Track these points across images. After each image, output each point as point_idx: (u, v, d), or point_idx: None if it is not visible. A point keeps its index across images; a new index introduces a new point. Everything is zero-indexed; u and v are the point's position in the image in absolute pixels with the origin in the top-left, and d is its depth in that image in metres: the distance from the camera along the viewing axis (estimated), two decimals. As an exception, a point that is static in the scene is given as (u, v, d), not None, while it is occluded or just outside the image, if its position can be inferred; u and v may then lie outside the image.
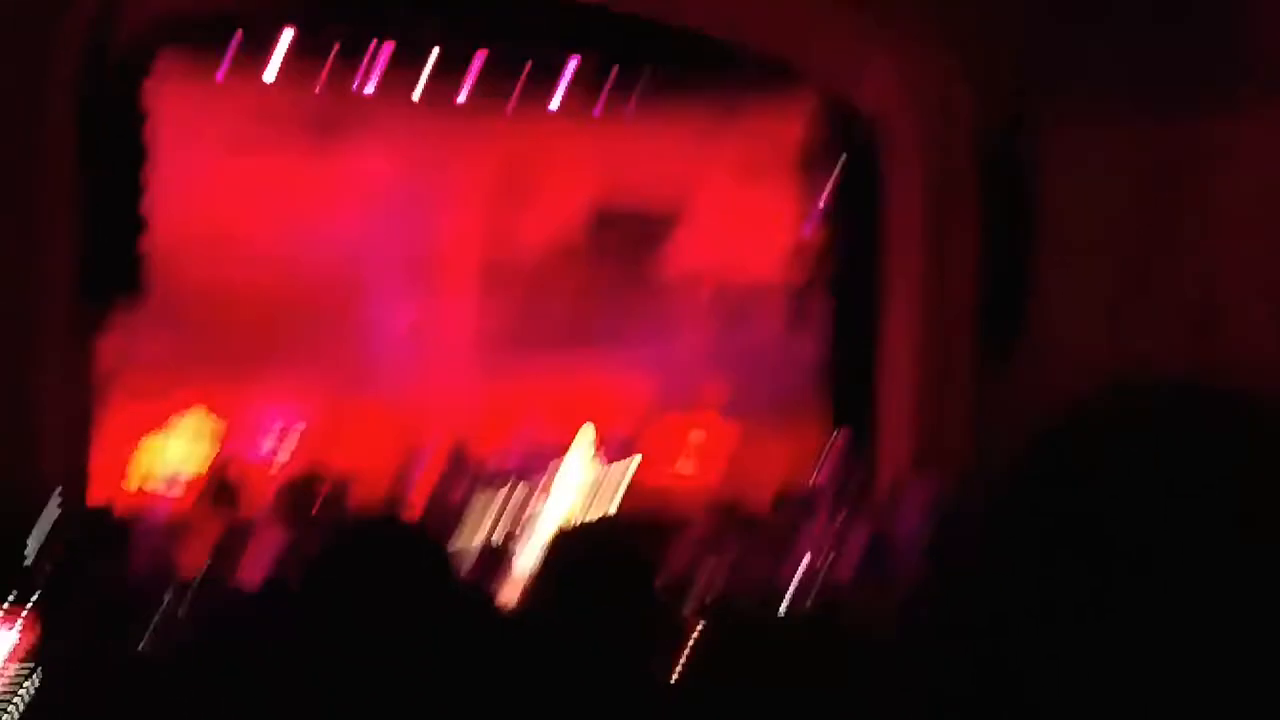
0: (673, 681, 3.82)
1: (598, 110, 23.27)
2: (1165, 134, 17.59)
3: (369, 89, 21.73)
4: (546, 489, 17.93)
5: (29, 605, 8.59)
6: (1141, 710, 0.91)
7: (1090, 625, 0.93)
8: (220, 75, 21.18)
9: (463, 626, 2.53)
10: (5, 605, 8.54)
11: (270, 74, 20.79)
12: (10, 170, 15.34)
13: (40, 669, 8.17)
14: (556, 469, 17.66)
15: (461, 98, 22.18)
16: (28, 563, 14.44)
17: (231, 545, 18.32)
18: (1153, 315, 17.59)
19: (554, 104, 22.82)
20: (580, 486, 17.53)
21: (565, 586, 3.11)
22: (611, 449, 18.13)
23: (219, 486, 18.52)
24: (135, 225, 16.20)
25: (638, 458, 17.65)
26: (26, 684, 7.87)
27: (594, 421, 24.32)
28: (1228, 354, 16.78)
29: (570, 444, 17.56)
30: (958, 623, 0.99)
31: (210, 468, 20.06)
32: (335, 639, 2.44)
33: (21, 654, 8.27)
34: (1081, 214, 17.82)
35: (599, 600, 3.04)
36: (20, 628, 8.41)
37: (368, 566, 2.51)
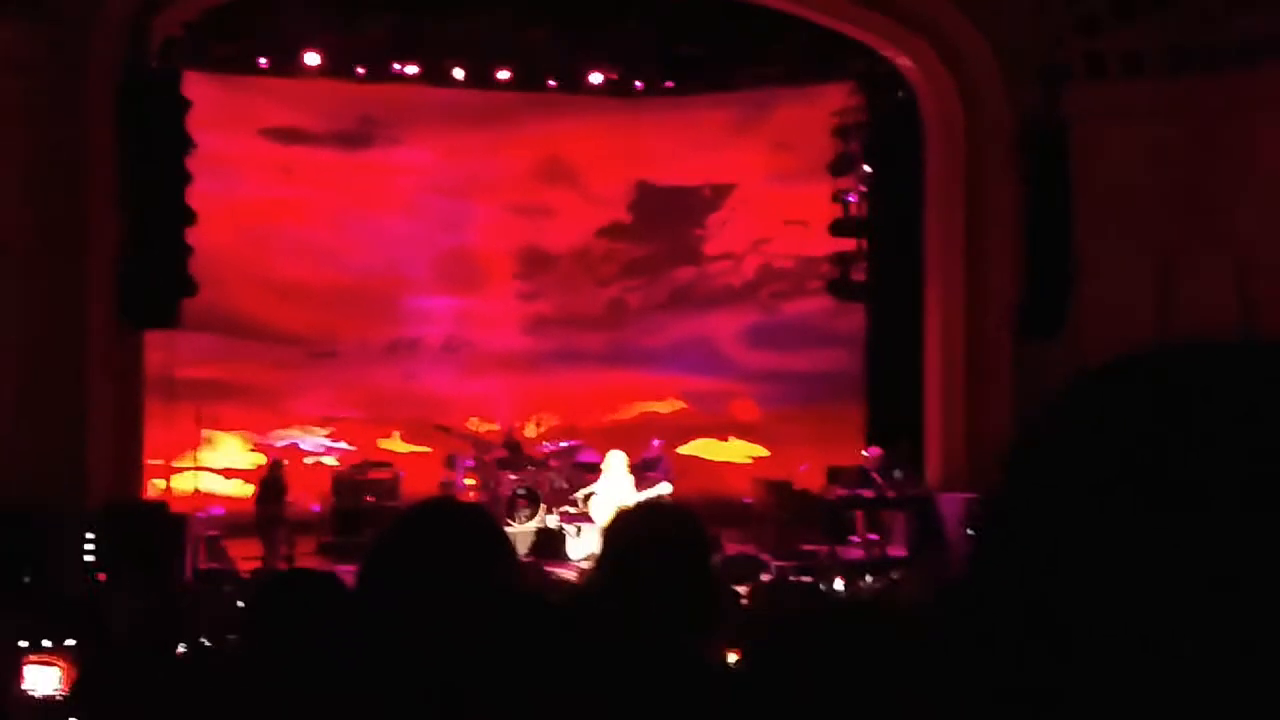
0: (729, 660, 3.82)
1: (636, 94, 23.24)
2: (1203, 85, 17.46)
3: (410, 73, 21.73)
4: (585, 502, 17.93)
5: (68, 643, 8.65)
6: (1183, 680, 0.91)
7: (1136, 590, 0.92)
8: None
9: (522, 606, 2.54)
10: (46, 644, 8.60)
11: (312, 60, 20.82)
12: (54, 162, 15.45)
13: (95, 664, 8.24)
14: (590, 495, 17.67)
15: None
16: (88, 558, 14.63)
17: (284, 537, 18.48)
18: (1199, 276, 17.46)
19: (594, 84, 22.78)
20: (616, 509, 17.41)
21: (622, 564, 3.12)
22: (642, 472, 18.17)
23: (270, 482, 18.57)
24: (180, 217, 16.27)
25: (668, 486, 17.70)
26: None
27: (638, 401, 24.36)
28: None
29: (603, 465, 17.61)
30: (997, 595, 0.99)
31: (263, 464, 20.11)
32: (397, 620, 2.45)
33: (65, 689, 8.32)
34: (1120, 173, 17.73)
35: (656, 578, 3.04)
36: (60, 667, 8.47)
37: (427, 548, 2.52)
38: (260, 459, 20.96)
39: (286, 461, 19.40)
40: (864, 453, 19.07)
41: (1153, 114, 17.57)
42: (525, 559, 16.60)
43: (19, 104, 15.34)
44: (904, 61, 19.25)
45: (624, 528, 3.24)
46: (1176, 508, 0.91)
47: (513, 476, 19.24)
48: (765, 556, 17.52)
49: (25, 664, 8.42)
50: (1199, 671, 0.89)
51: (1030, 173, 17.99)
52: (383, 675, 2.48)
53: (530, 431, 22.11)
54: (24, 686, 8.38)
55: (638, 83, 23.15)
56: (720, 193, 24.65)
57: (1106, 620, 0.91)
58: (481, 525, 2.64)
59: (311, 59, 20.98)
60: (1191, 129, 17.51)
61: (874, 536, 18.51)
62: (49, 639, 8.65)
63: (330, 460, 22.08)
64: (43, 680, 8.39)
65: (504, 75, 22.20)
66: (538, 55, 21.85)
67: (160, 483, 17.90)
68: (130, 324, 16.37)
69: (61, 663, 8.46)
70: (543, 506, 18.86)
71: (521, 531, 18.06)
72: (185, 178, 16.40)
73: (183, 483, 18.41)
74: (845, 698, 2.33)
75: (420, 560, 2.50)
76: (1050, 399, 1.03)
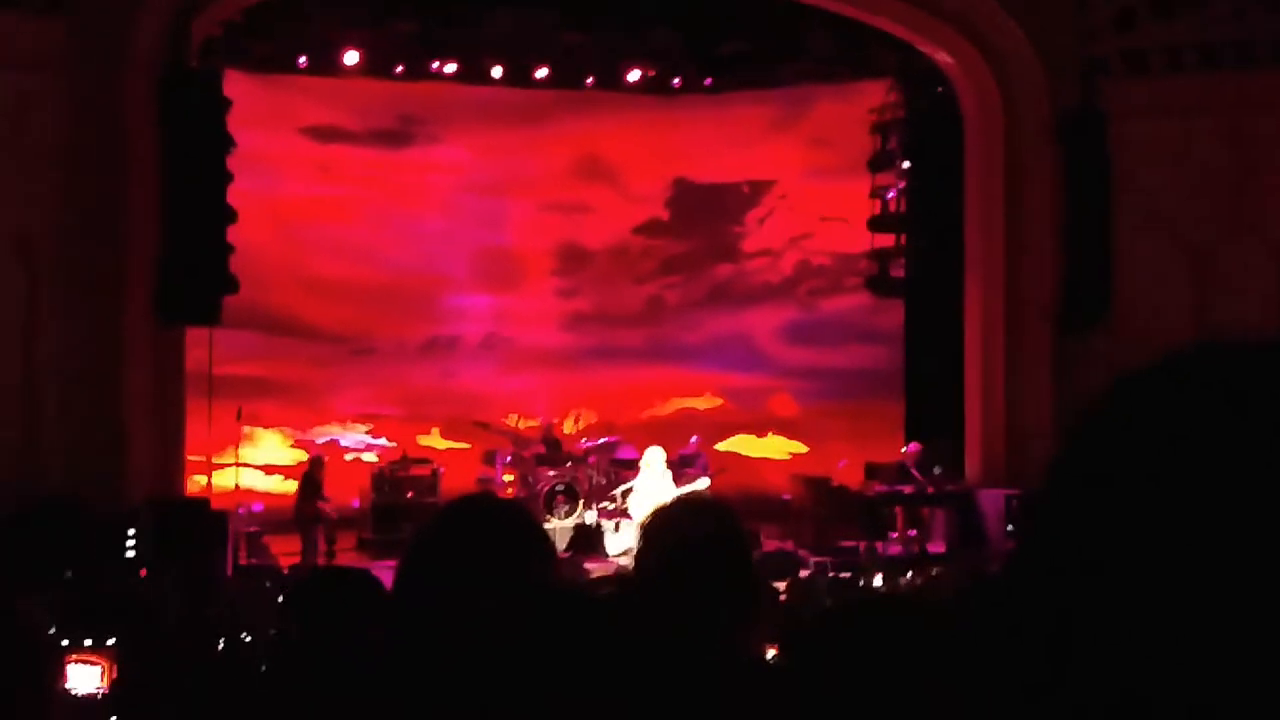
0: (769, 655, 3.82)
1: (674, 91, 23.21)
2: (1238, 81, 17.36)
3: (448, 71, 21.73)
4: (624, 498, 17.93)
5: (110, 642, 8.65)
6: (1219, 680, 0.91)
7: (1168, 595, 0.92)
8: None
9: (560, 602, 2.55)
10: (88, 644, 8.60)
11: (350, 58, 20.84)
12: (95, 160, 15.56)
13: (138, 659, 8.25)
14: (628, 491, 17.67)
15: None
16: (130, 554, 14.71)
17: (322, 534, 18.54)
18: (1235, 269, 17.36)
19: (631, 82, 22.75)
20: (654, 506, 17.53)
21: (661, 560, 3.12)
22: (680, 468, 18.15)
23: (309, 479, 18.58)
24: (221, 216, 16.34)
25: (706, 482, 17.73)
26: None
27: (676, 397, 24.36)
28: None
29: (641, 461, 17.57)
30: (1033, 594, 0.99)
31: (303, 461, 20.12)
32: (435, 616, 2.47)
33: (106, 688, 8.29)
34: (1157, 167, 17.64)
35: (695, 573, 3.05)
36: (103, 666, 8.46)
37: (466, 544, 2.53)
38: (301, 455, 21.04)
39: (326, 458, 19.44)
40: (903, 449, 19.03)
41: (1189, 109, 17.48)
42: (563, 555, 16.63)
43: (61, 102, 15.44)
44: (942, 57, 19.19)
45: (662, 523, 3.24)
46: (1217, 509, 0.91)
47: (551, 473, 19.26)
48: (803, 553, 17.51)
49: (67, 662, 8.42)
50: (1235, 672, 0.89)
51: (1069, 167, 17.91)
52: (420, 672, 2.49)
53: (569, 428, 22.13)
54: (66, 685, 8.38)
55: (675, 80, 23.13)
56: (759, 189, 24.63)
57: (1143, 620, 0.92)
58: (520, 521, 2.65)
59: (350, 58, 21.04)
60: (1227, 123, 17.42)
61: (913, 533, 18.47)
62: (90, 637, 8.66)
63: (370, 457, 22.16)
64: (84, 679, 8.39)
65: (542, 73, 22.22)
66: (575, 53, 21.85)
67: (201, 479, 17.99)
68: (171, 321, 16.46)
69: (103, 661, 8.47)
70: (581, 502, 18.89)
71: (560, 527, 18.10)
72: (226, 176, 16.48)
73: (223, 479, 18.49)
74: (882, 691, 2.33)
75: (459, 556, 2.51)
76: (1092, 400, 1.03)
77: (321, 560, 17.19)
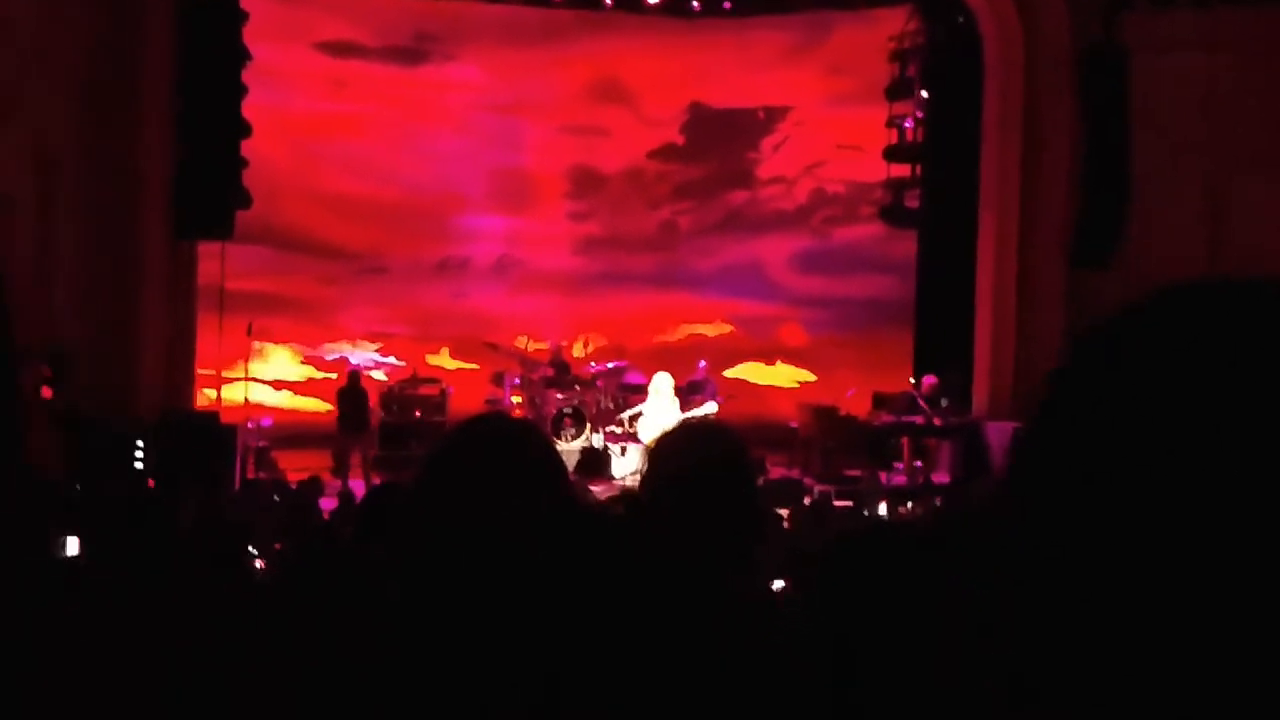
0: (772, 583, 3.85)
1: (693, 14, 23.04)
2: (1261, 17, 17.23)
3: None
4: (631, 423, 17.98)
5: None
6: (1207, 615, 0.91)
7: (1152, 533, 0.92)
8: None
9: (572, 522, 2.56)
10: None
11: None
12: (111, 72, 15.52)
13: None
14: (636, 416, 17.70)
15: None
16: (138, 466, 14.77)
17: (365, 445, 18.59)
18: (1253, 209, 17.28)
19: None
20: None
21: (667, 483, 3.14)
22: (688, 394, 18.16)
23: (349, 392, 18.54)
24: (235, 129, 16.31)
25: (714, 407, 17.74)
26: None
27: (686, 323, 24.38)
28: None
29: (649, 386, 17.58)
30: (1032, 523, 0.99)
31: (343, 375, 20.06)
32: (450, 533, 2.48)
33: None
34: (1176, 103, 17.54)
35: (700, 497, 3.06)
36: None
37: (481, 461, 2.54)
38: (310, 371, 21.10)
39: (364, 370, 19.49)
40: (911, 380, 19.01)
41: (1212, 44, 17.34)
42: (573, 474, 16.65)
43: (78, 12, 15.38)
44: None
45: (667, 447, 3.26)
46: (1210, 442, 0.91)
47: (559, 395, 19.28)
48: (809, 481, 17.56)
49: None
50: (1228, 600, 0.90)
51: (1088, 101, 17.80)
52: (434, 592, 2.51)
53: (578, 351, 22.14)
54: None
55: (695, 3, 22.96)
56: (775, 115, 24.52)
57: (1131, 554, 0.92)
58: (535, 442, 2.66)
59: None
60: (1249, 60, 17.29)
61: (918, 463, 18.50)
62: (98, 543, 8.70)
63: (379, 375, 22.21)
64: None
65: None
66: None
67: (210, 393, 18.04)
68: (184, 235, 16.47)
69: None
70: (588, 426, 18.93)
71: (567, 450, 18.14)
72: (241, 90, 16.43)
73: (233, 393, 18.54)
74: (881, 614, 2.35)
75: (476, 474, 2.51)
76: (1096, 325, 1.03)
77: (326, 476, 17.20)
